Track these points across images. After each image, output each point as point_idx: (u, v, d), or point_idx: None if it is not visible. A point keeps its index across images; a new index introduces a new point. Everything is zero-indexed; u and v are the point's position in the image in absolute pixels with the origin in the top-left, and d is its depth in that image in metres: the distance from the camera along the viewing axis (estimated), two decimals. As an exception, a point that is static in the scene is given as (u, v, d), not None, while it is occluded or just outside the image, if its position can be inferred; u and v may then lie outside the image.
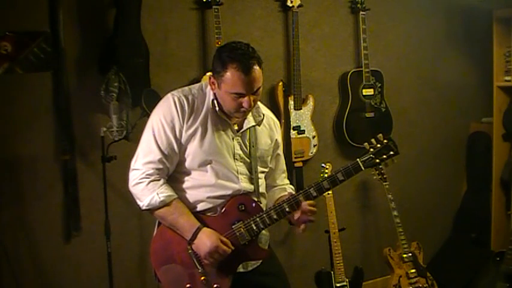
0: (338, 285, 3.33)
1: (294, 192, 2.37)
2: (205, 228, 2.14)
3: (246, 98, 2.07)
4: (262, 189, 2.30)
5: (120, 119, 2.91)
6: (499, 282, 3.26)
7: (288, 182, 2.48)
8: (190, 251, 2.15)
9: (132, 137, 2.87)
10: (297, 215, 2.17)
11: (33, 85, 2.91)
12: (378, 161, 2.14)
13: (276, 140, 2.36)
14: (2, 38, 2.73)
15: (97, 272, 3.04)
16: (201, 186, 2.18)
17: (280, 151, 2.42)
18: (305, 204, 2.15)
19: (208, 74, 2.20)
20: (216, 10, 3.14)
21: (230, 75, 2.03)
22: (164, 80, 3.14)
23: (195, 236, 2.13)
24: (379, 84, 3.74)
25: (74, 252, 3.06)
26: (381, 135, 2.17)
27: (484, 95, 4.23)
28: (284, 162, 2.47)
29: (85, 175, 3.05)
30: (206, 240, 2.11)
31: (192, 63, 3.29)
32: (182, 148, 2.16)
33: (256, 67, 2.05)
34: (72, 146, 3.01)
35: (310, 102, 3.55)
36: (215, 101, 2.15)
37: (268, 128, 2.32)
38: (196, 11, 3.28)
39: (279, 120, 3.40)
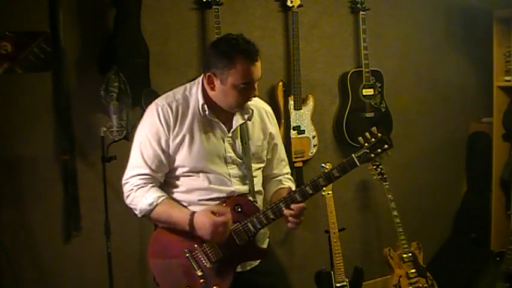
0: (338, 285, 3.33)
1: (291, 184, 2.36)
2: (196, 212, 2.11)
3: (253, 87, 2.07)
4: (258, 187, 2.28)
5: (120, 119, 2.91)
6: (499, 282, 3.26)
7: (288, 170, 2.43)
8: (187, 254, 2.15)
9: (132, 137, 2.86)
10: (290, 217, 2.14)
11: (33, 85, 2.91)
12: (372, 155, 2.11)
13: (270, 132, 2.31)
14: (2, 38, 2.73)
15: (97, 272, 3.04)
16: (195, 190, 2.17)
17: (278, 141, 2.37)
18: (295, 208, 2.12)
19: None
20: (216, 10, 3.14)
21: (240, 66, 2.01)
22: (164, 80, 3.14)
23: (192, 225, 2.09)
24: (379, 84, 3.74)
25: (74, 252, 3.06)
26: (375, 128, 2.13)
27: (484, 95, 4.22)
28: (283, 151, 2.42)
29: (85, 175, 3.05)
30: (204, 223, 2.07)
31: (192, 63, 3.29)
32: (171, 159, 2.15)
33: (258, 55, 2.07)
34: (72, 146, 3.01)
35: (310, 102, 3.55)
36: (205, 105, 2.12)
37: (259, 121, 2.28)
38: (196, 11, 3.28)
39: (279, 120, 3.40)
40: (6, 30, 2.74)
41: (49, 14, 2.88)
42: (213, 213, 2.08)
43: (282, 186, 2.35)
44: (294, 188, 2.23)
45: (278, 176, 2.39)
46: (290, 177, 2.43)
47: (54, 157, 2.99)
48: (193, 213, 2.12)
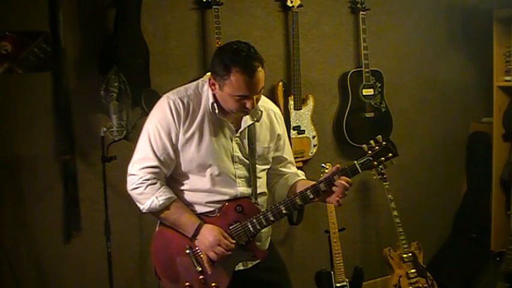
0: (338, 285, 3.33)
1: (304, 178, 2.37)
2: (206, 224, 2.16)
3: (249, 99, 2.05)
4: (261, 189, 2.29)
5: (120, 119, 2.92)
6: (499, 282, 3.26)
7: (296, 169, 2.43)
8: (188, 251, 2.17)
9: (132, 137, 2.87)
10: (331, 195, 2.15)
11: (33, 85, 2.91)
12: (375, 163, 2.11)
13: (278, 134, 2.31)
14: (2, 38, 2.73)
15: (97, 272, 3.04)
16: (198, 191, 2.19)
17: (285, 141, 2.37)
18: (340, 181, 2.11)
19: (208, 74, 2.18)
20: (216, 10, 3.14)
21: (234, 79, 2.00)
22: (164, 80, 3.14)
23: (197, 232, 2.15)
24: (379, 84, 3.74)
25: (74, 252, 3.07)
26: (380, 136, 2.14)
27: (484, 95, 4.23)
28: (291, 152, 2.42)
29: (85, 175, 3.05)
30: (208, 235, 2.13)
31: (192, 63, 3.29)
32: (178, 153, 2.15)
33: (260, 68, 2.03)
34: (72, 146, 3.01)
35: (310, 102, 3.55)
36: (215, 104, 2.13)
37: (268, 123, 2.28)
38: (196, 11, 3.28)
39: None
40: (6, 30, 2.74)
41: (49, 14, 2.88)
42: (222, 234, 2.14)
43: (301, 178, 2.35)
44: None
45: (287, 174, 2.39)
46: (302, 172, 2.43)
47: (54, 157, 2.99)
48: (203, 223, 2.16)
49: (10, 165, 2.89)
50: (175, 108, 2.12)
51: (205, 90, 2.17)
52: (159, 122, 2.13)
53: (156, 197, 2.14)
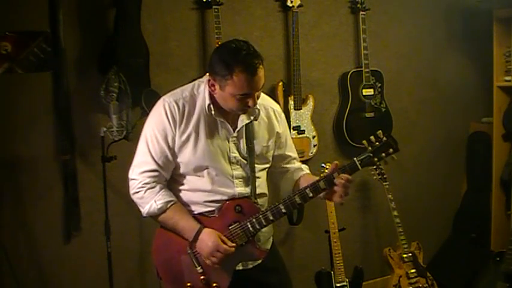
0: (338, 285, 3.33)
1: (308, 171, 2.36)
2: (205, 229, 2.15)
3: (251, 97, 2.05)
4: (260, 189, 2.28)
5: (120, 119, 2.92)
6: (499, 282, 3.26)
7: (300, 164, 2.42)
8: (189, 251, 2.17)
9: (132, 137, 2.87)
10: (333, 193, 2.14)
11: (33, 85, 2.91)
12: (376, 159, 2.08)
13: (277, 132, 2.30)
14: (2, 38, 2.73)
15: (97, 272, 3.04)
16: (198, 191, 2.19)
17: (286, 139, 2.36)
18: (340, 179, 2.09)
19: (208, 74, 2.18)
20: (216, 10, 3.14)
21: (237, 78, 1.98)
22: (164, 80, 3.14)
23: (196, 237, 2.14)
24: (379, 84, 3.74)
25: (74, 252, 3.07)
26: (380, 131, 2.10)
27: (484, 95, 4.22)
28: (293, 148, 2.41)
29: (85, 175, 3.05)
30: (207, 241, 2.12)
31: (192, 63, 3.29)
32: (176, 156, 2.16)
33: (261, 66, 2.02)
34: (72, 146, 3.01)
35: (310, 102, 3.55)
36: (211, 106, 2.12)
37: (266, 121, 2.27)
38: (196, 11, 3.28)
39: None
40: (6, 30, 2.74)
41: (49, 14, 2.88)
42: (221, 238, 2.13)
43: (305, 172, 2.35)
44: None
45: (291, 169, 2.38)
46: (306, 166, 2.42)
47: (54, 157, 2.99)
48: (202, 227, 2.15)
49: (10, 165, 2.89)
50: (170, 111, 2.12)
51: (201, 91, 2.16)
52: (155, 125, 2.14)
53: (155, 201, 2.14)
